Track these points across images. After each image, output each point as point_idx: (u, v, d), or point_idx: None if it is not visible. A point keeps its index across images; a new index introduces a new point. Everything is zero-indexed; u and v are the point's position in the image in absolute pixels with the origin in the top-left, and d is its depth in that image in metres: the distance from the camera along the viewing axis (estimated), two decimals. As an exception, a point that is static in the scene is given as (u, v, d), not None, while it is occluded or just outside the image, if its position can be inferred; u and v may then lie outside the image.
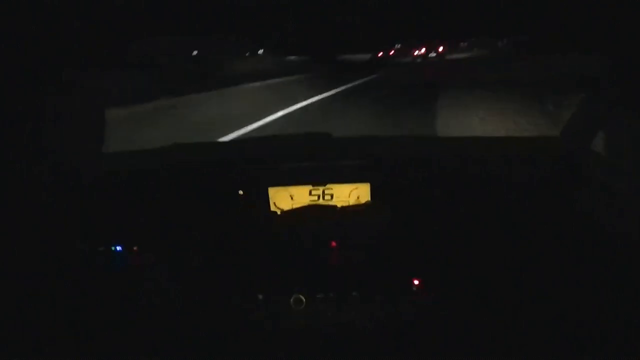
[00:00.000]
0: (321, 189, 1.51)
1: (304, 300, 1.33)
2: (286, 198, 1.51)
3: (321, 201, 1.51)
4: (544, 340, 1.35)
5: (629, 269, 1.38)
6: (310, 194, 1.52)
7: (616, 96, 1.35)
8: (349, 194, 1.51)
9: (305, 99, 10.88)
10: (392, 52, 25.40)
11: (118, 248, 1.40)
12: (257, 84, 15.54)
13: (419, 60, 25.13)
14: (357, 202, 1.51)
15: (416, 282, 1.36)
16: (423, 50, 25.47)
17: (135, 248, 1.40)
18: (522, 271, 1.42)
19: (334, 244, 1.39)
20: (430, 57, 25.02)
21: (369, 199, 1.50)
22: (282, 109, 9.36)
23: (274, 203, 1.50)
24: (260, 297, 1.35)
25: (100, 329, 1.34)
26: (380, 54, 25.32)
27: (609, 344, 1.32)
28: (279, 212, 1.50)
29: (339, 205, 1.50)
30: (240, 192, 1.48)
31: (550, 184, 1.45)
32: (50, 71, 1.28)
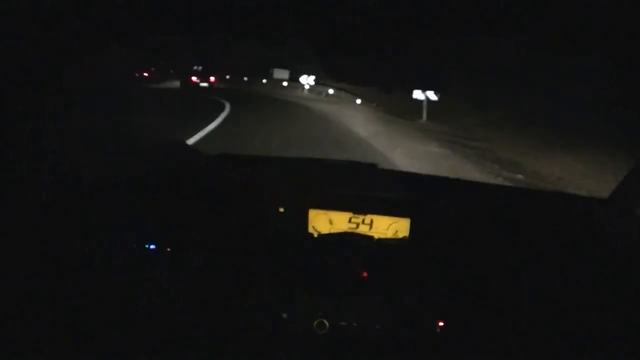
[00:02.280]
0: (361, 217, 1.51)
1: (327, 325, 1.33)
2: (325, 222, 1.51)
3: (359, 230, 1.51)
4: (544, 340, 1.35)
5: (629, 269, 1.38)
6: (349, 221, 1.52)
7: None
8: (388, 227, 1.51)
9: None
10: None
11: (152, 247, 1.41)
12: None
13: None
14: (394, 236, 1.50)
15: (441, 323, 1.36)
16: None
17: (169, 249, 1.40)
18: (520, 272, 1.42)
19: (365, 274, 1.39)
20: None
21: (407, 234, 1.49)
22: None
23: (313, 225, 1.50)
24: (285, 316, 1.35)
25: (100, 329, 1.34)
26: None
27: (609, 344, 1.33)
28: (315, 235, 1.50)
29: (376, 236, 1.49)
30: (281, 209, 1.48)
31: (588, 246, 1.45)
32: (50, 71, 1.28)
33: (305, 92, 26.09)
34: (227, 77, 30.88)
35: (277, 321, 1.34)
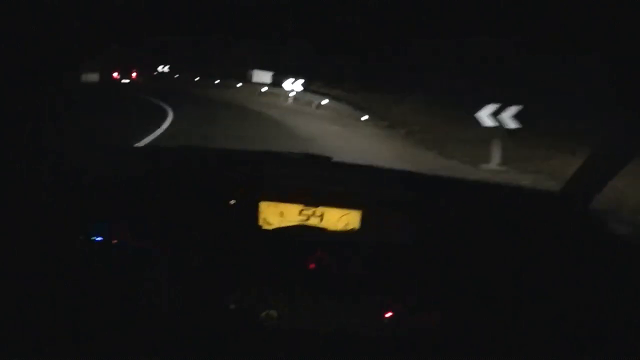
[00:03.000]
0: (312, 209, 1.52)
1: (275, 316, 1.34)
2: (276, 214, 1.52)
3: (310, 222, 1.52)
4: (544, 340, 1.35)
5: (629, 269, 1.38)
6: (300, 213, 1.53)
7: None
8: (339, 219, 1.52)
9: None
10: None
11: (98, 238, 1.41)
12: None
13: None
14: (345, 228, 1.52)
15: (388, 314, 1.37)
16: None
17: (114, 241, 1.41)
18: (520, 272, 1.42)
19: (312, 265, 1.41)
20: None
21: (358, 226, 1.51)
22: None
23: (264, 218, 1.52)
24: (232, 307, 1.35)
25: (100, 329, 1.34)
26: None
27: (609, 344, 1.33)
28: (266, 227, 1.51)
29: (326, 228, 1.51)
30: (232, 201, 1.49)
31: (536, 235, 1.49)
32: (50, 71, 1.28)
33: (289, 102, 20.09)
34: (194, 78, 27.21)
35: (225, 312, 1.34)
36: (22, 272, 1.32)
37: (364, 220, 1.51)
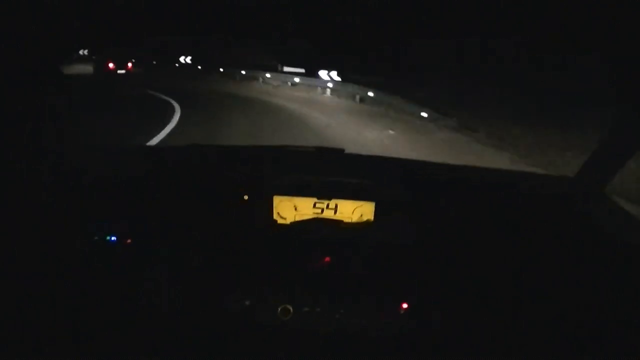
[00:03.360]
0: (325, 202, 1.51)
1: (292, 310, 1.34)
2: (290, 208, 1.51)
3: (324, 215, 1.52)
4: (544, 340, 1.35)
5: (629, 269, 1.38)
6: (314, 206, 1.52)
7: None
8: (353, 211, 1.51)
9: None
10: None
11: (113, 238, 1.40)
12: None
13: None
14: (359, 220, 1.51)
15: (404, 305, 1.37)
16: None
17: (129, 240, 1.40)
18: (521, 273, 1.42)
19: (327, 259, 1.40)
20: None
21: (372, 218, 1.50)
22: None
23: (278, 212, 1.51)
24: (248, 302, 1.35)
25: (100, 329, 1.34)
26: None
27: (609, 344, 1.33)
28: (280, 221, 1.51)
29: (341, 220, 1.50)
30: (246, 197, 1.48)
31: (553, 223, 1.47)
32: (50, 71, 1.28)
33: (328, 94, 16.53)
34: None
35: (241, 307, 1.34)
36: (22, 271, 1.32)
37: (378, 211, 1.49)
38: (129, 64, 26.22)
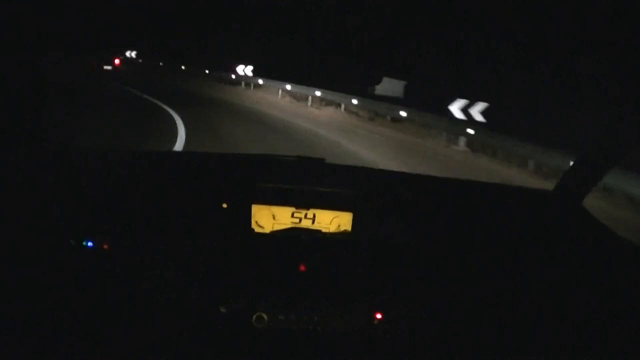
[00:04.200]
0: (304, 212, 1.52)
1: (266, 318, 1.34)
2: (268, 217, 1.52)
3: (302, 224, 1.53)
4: (544, 340, 1.35)
5: (626, 266, 1.39)
6: (292, 215, 1.53)
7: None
8: (331, 221, 1.53)
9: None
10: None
11: (89, 244, 1.40)
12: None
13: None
14: (337, 230, 1.52)
15: (378, 316, 1.37)
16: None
17: (106, 246, 1.40)
18: (516, 271, 1.43)
19: (303, 268, 1.41)
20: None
21: (349, 228, 1.51)
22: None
23: (256, 221, 1.52)
24: (223, 310, 1.35)
25: (96, 331, 1.34)
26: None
27: (609, 344, 1.33)
28: (258, 230, 1.52)
29: (319, 230, 1.52)
30: (224, 205, 1.49)
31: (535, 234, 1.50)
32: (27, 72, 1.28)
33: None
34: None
35: (216, 315, 1.34)
36: (22, 272, 1.32)
37: (355, 222, 1.51)
38: (116, 60, 26.13)
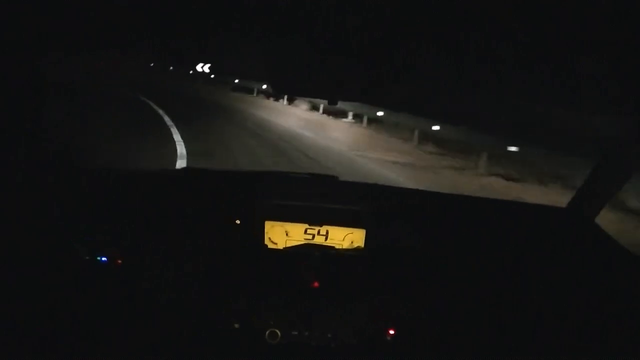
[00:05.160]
0: (317, 229, 1.53)
1: (279, 334, 1.34)
2: (281, 233, 1.53)
3: (315, 241, 1.54)
4: (544, 340, 1.35)
5: (619, 298, 1.39)
6: (305, 232, 1.54)
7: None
8: (344, 238, 1.53)
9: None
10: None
11: (104, 259, 1.41)
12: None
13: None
14: (350, 247, 1.53)
15: (391, 332, 1.37)
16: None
17: (119, 261, 1.40)
18: (512, 304, 1.43)
19: (317, 284, 1.41)
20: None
21: (362, 245, 1.52)
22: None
23: (269, 237, 1.53)
24: (237, 325, 1.35)
25: (100, 329, 1.34)
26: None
27: (609, 344, 1.33)
28: (271, 246, 1.52)
29: (332, 247, 1.52)
30: (238, 221, 1.50)
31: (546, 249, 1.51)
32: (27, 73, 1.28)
33: None
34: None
35: (230, 330, 1.35)
36: (22, 272, 1.32)
37: (368, 238, 1.51)
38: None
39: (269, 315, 1.37)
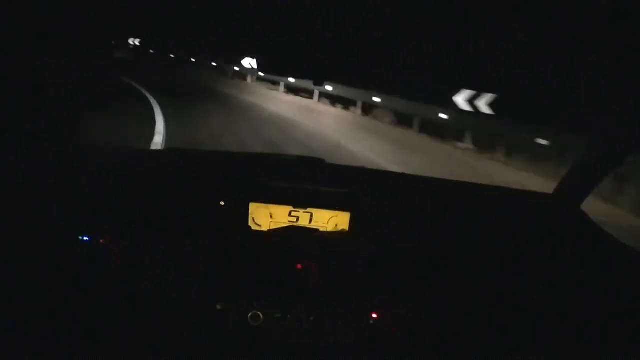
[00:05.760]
0: (301, 211, 1.53)
1: (262, 317, 1.34)
2: (265, 215, 1.53)
3: (299, 223, 1.53)
4: (544, 340, 1.35)
5: (625, 268, 1.39)
6: (289, 214, 1.54)
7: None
8: (328, 220, 1.53)
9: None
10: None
11: (85, 238, 1.40)
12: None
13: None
14: (334, 229, 1.53)
15: (374, 315, 1.37)
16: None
17: (101, 240, 1.40)
18: (515, 274, 1.43)
19: (299, 266, 1.41)
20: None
21: (347, 228, 1.52)
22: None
23: (253, 218, 1.52)
24: (219, 307, 1.35)
25: (100, 329, 1.34)
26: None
27: (609, 344, 1.33)
28: (255, 228, 1.52)
29: (316, 229, 1.52)
30: (222, 202, 1.50)
31: (535, 237, 1.52)
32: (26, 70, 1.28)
33: None
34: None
35: (212, 312, 1.34)
36: (22, 272, 1.32)
37: (353, 222, 1.51)
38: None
39: (252, 298, 1.36)
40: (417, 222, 1.52)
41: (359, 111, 11.94)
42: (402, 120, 10.70)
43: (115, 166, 1.59)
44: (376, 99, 11.04)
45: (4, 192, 1.36)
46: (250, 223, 1.52)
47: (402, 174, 1.86)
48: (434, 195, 1.65)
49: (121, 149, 1.92)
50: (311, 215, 1.53)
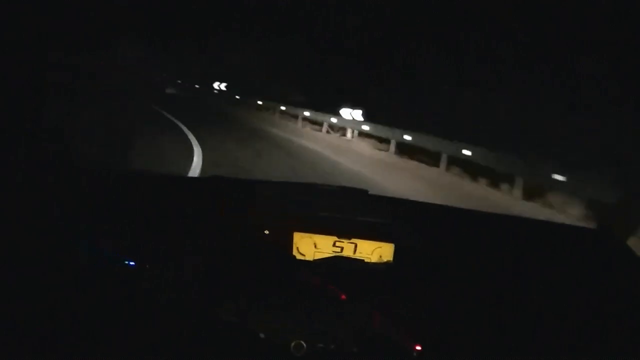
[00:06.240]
0: (345, 242, 1.53)
1: (305, 347, 1.34)
2: (310, 245, 1.53)
3: (343, 253, 1.53)
4: (544, 340, 1.36)
5: (629, 270, 1.39)
6: (334, 245, 1.53)
7: None
8: (372, 252, 1.52)
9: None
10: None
11: (132, 263, 1.41)
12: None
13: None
14: (379, 261, 1.52)
15: (418, 347, 1.37)
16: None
17: (147, 265, 1.40)
18: (507, 298, 1.43)
19: (344, 297, 1.40)
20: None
21: (391, 259, 1.51)
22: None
23: (297, 248, 1.52)
24: (262, 336, 1.35)
25: (100, 329, 1.34)
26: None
27: (609, 344, 1.33)
28: (299, 257, 1.52)
29: (360, 260, 1.52)
30: (266, 231, 1.50)
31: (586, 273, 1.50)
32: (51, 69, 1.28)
33: None
34: None
35: (255, 341, 1.34)
36: (22, 272, 1.32)
37: (397, 253, 1.51)
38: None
39: (295, 327, 1.35)
40: (460, 253, 1.50)
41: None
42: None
43: (162, 190, 1.61)
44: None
45: (4, 192, 1.36)
46: (294, 252, 1.52)
47: (446, 205, 1.87)
48: (478, 227, 1.64)
49: (167, 176, 1.93)
50: (355, 246, 1.52)
